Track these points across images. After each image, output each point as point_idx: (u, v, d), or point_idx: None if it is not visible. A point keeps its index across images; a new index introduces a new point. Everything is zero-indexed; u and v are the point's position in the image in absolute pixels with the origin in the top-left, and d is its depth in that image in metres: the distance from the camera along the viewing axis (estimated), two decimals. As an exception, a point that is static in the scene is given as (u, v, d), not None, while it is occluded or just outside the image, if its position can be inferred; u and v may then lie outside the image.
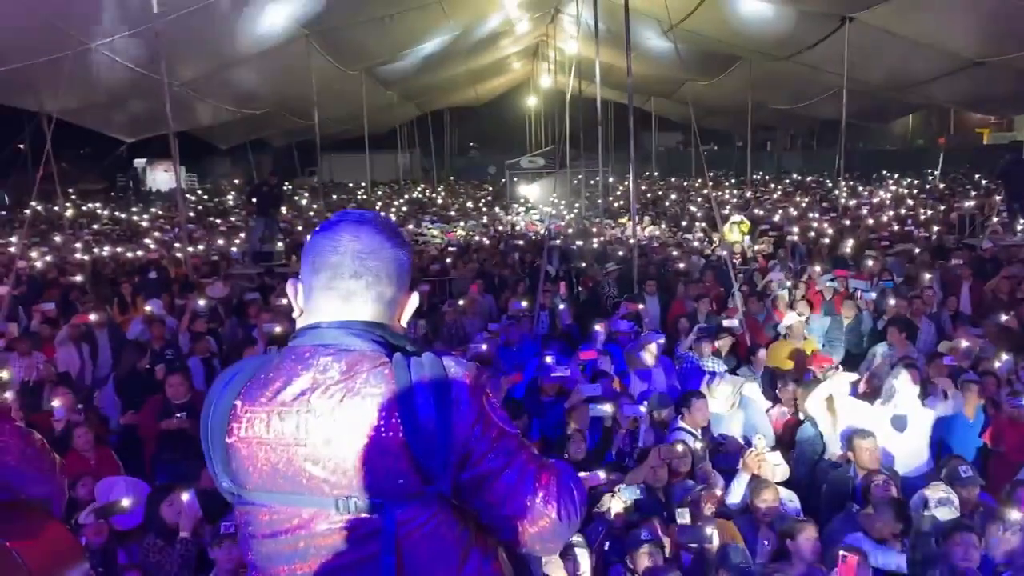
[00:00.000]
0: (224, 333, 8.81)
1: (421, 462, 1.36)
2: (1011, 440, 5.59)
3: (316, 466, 1.38)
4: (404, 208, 23.35)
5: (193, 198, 27.84)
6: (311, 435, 1.38)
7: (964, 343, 6.48)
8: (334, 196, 27.61)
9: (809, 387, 5.82)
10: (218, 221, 20.35)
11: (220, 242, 15.57)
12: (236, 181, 33.94)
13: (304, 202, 24.78)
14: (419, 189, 32.01)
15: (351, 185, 32.90)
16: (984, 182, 22.18)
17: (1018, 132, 32.09)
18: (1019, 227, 13.14)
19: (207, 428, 1.46)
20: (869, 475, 4.74)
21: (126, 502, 4.22)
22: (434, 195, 29.03)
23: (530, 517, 1.43)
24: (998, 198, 16.06)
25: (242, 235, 15.67)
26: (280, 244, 13.38)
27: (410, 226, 17.92)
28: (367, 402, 1.37)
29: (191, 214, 21.09)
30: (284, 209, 19.10)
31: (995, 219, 14.03)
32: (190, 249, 12.48)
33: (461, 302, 9.13)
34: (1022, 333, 7.46)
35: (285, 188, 29.80)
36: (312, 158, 26.05)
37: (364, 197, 26.80)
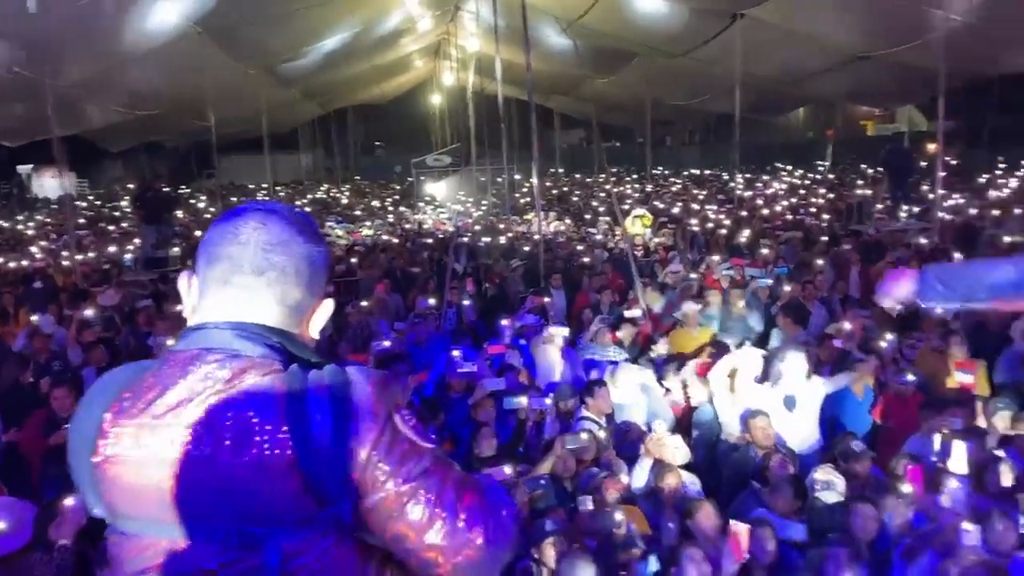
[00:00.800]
0: (120, 342, 8.46)
1: (313, 482, 1.17)
2: (897, 415, 5.89)
3: (192, 489, 1.18)
4: (308, 209, 22.90)
5: (84, 204, 26.60)
6: (186, 453, 1.18)
7: (850, 324, 6.78)
8: (233, 199, 26.84)
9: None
10: (111, 228, 19.50)
11: (112, 249, 14.94)
12: (130, 186, 32.59)
13: (202, 205, 24.03)
14: (323, 189, 31.45)
15: (252, 187, 32.06)
16: (870, 171, 23.31)
17: (899, 123, 33.84)
18: (902, 213, 13.87)
19: (73, 446, 1.27)
20: (768, 455, 4.93)
21: (1, 524, 3.97)
22: (339, 195, 28.57)
23: (451, 546, 1.21)
24: (882, 186, 16.92)
25: (136, 241, 15.08)
26: (176, 249, 12.93)
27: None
28: (247, 415, 1.18)
29: (81, 220, 20.16)
30: (180, 213, 18.50)
31: (880, 206, 14.76)
32: (79, 257, 11.93)
33: (365, 303, 9.03)
34: (905, 314, 7.87)
35: (181, 191, 29.06)
36: (210, 160, 25.23)
37: (265, 198, 26.15)
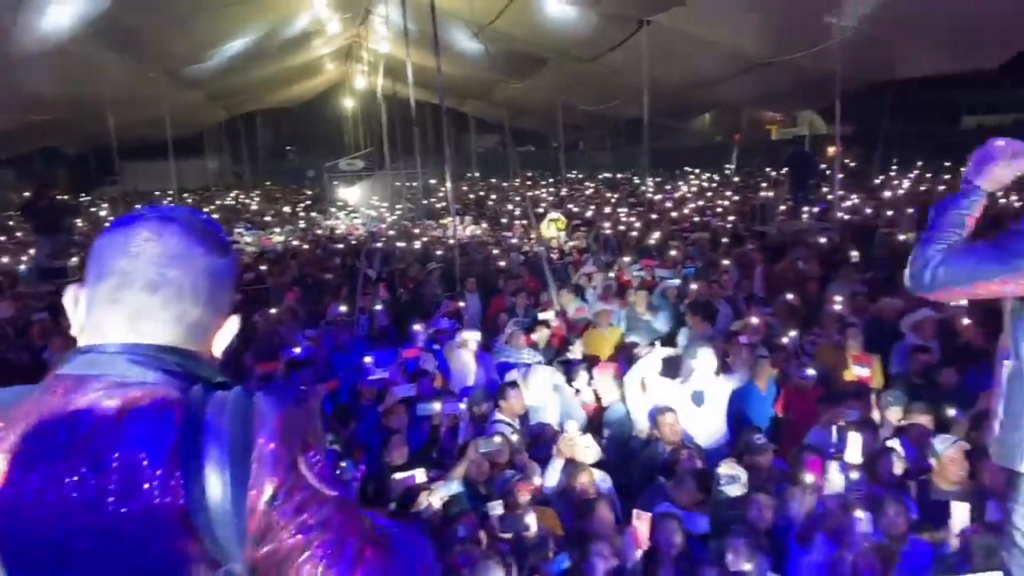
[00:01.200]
0: (13, 357, 8.03)
1: (206, 537, 1.05)
2: (799, 408, 6.10)
3: (69, 541, 1.04)
4: (215, 216, 22.27)
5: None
6: (63, 498, 1.04)
7: (754, 321, 6.99)
8: (137, 206, 25.82)
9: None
10: (2, 238, 18.52)
11: (4, 259, 14.20)
12: (27, 194, 30.99)
13: (103, 213, 23.07)
14: (232, 195, 30.62)
15: (157, 193, 30.93)
16: (773, 174, 24.13)
17: (801, 128, 35.14)
18: (804, 214, 14.40)
19: None
20: (675, 450, 5.03)
21: None
22: (248, 201, 27.87)
23: None
24: (784, 188, 17.54)
25: (31, 251, 14.38)
26: (75, 260, 12.37)
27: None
28: (137, 456, 1.05)
29: (-31, 231, 19.11)
30: (80, 222, 17.73)
31: (782, 207, 15.29)
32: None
33: (274, 311, 8.82)
34: (806, 310, 8.17)
35: (81, 199, 27.80)
36: (111, 166, 24.26)
37: (168, 204, 25.29)
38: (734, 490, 4.45)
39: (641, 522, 3.83)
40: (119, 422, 1.07)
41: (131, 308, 1.16)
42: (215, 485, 1.05)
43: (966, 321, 6.63)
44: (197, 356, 1.20)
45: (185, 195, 28.77)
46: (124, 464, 1.05)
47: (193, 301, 1.18)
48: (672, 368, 5.87)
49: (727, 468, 4.56)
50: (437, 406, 5.60)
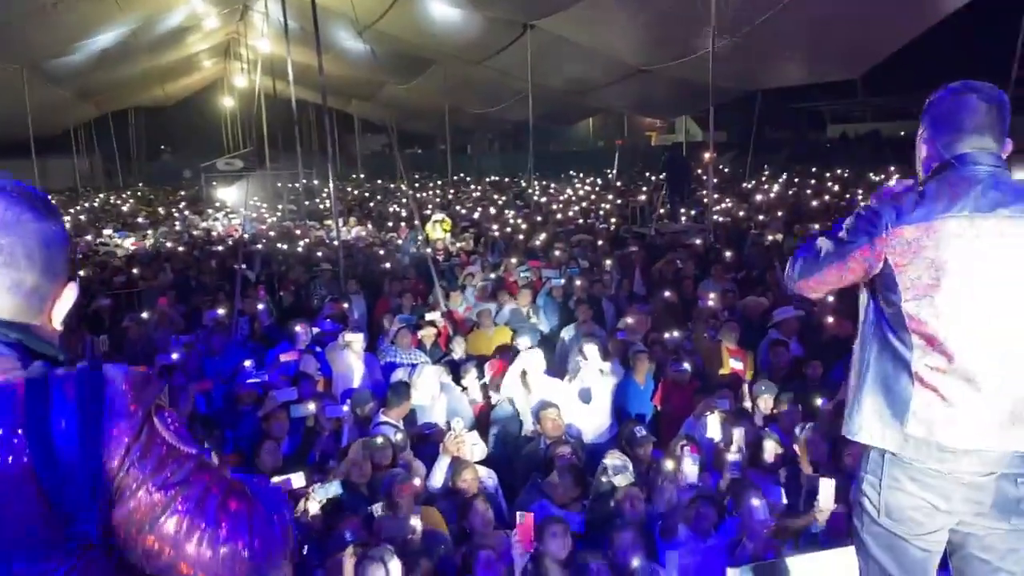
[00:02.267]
0: None
1: (55, 496, 1.03)
2: (676, 401, 6.30)
3: None
4: (82, 217, 21.07)
5: None
6: None
7: (632, 319, 7.19)
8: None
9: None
10: None
11: None
12: None
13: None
14: (101, 197, 29.05)
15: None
16: (653, 178, 24.87)
17: (677, 134, 36.45)
18: (681, 216, 14.92)
19: None
20: (553, 445, 5.10)
21: None
22: (119, 202, 26.52)
23: (212, 559, 1.09)
24: (663, 192, 18.13)
25: None
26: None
27: (88, 236, 16.19)
28: None
29: None
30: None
31: (661, 210, 15.80)
32: None
33: (146, 315, 8.42)
34: (682, 307, 8.47)
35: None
36: (-37, 164, 22.55)
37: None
38: (622, 480, 4.55)
39: (524, 523, 3.85)
40: None
41: None
42: (63, 442, 1.04)
43: (831, 319, 7.01)
44: (37, 331, 1.17)
45: (49, 196, 27.09)
46: None
47: (28, 268, 1.15)
48: (559, 366, 5.97)
49: (613, 458, 4.66)
50: (312, 407, 5.48)
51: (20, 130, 19.98)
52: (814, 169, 24.49)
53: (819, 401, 5.60)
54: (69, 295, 1.24)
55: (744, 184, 20.88)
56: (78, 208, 23.47)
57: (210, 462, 1.16)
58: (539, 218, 16.05)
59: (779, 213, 13.88)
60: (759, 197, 17.79)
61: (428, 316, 8.16)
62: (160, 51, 22.27)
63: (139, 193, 30.73)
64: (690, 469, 4.50)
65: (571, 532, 4.03)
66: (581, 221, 15.72)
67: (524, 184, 25.26)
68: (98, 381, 1.09)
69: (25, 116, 18.91)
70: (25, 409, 1.04)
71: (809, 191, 18.74)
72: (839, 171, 22.99)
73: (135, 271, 11.71)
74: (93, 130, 33.10)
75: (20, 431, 1.03)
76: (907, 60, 14.06)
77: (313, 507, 4.13)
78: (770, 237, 11.71)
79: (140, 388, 1.11)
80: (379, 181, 31.97)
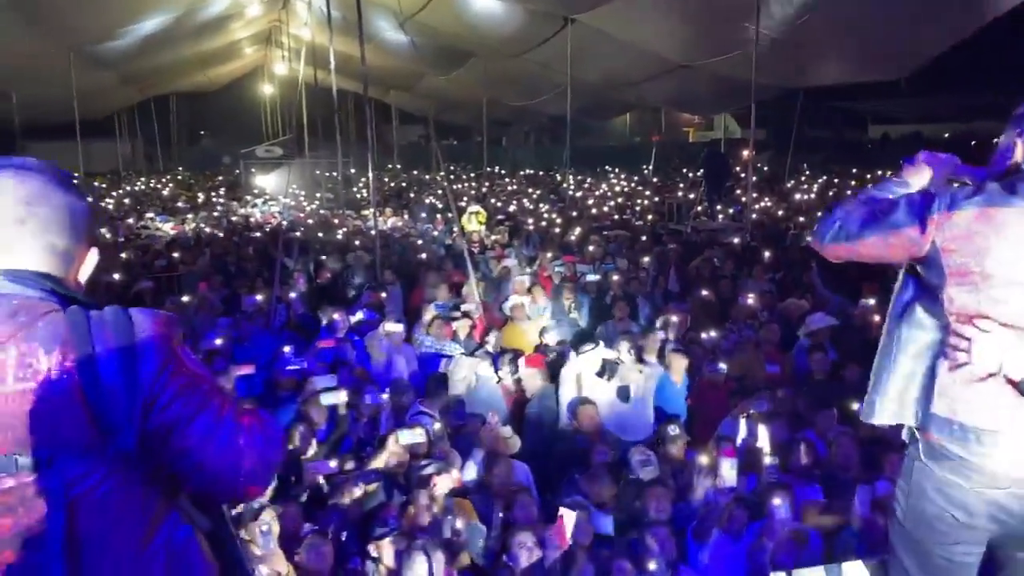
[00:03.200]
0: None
1: (98, 410, 1.24)
2: (710, 401, 6.29)
3: None
4: (125, 200, 21.44)
5: None
6: None
7: (673, 317, 7.16)
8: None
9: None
10: None
11: None
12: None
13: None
14: (142, 180, 29.51)
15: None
16: (690, 175, 24.69)
17: (716, 131, 36.12)
18: (718, 214, 14.82)
19: None
20: (591, 442, 5.11)
21: None
22: (160, 186, 26.92)
23: (231, 460, 1.36)
24: (701, 189, 18.00)
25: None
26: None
27: (130, 220, 16.48)
28: (32, 346, 1.24)
29: None
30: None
31: (698, 208, 15.70)
32: None
33: (186, 298, 8.55)
34: (720, 306, 8.42)
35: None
36: (11, 145, 23.04)
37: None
38: (649, 472, 4.55)
39: (564, 519, 3.86)
40: (12, 323, 1.25)
41: (5, 240, 1.33)
42: (105, 366, 1.26)
43: (877, 318, 6.91)
44: (66, 283, 1.39)
45: (92, 179, 27.62)
46: (21, 353, 1.24)
47: (58, 233, 1.37)
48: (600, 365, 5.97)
49: (638, 453, 4.65)
50: (344, 395, 5.52)
51: (66, 113, 20.33)
52: (855, 170, 24.15)
53: (855, 406, 5.55)
54: (92, 258, 1.47)
55: (783, 183, 20.66)
56: (121, 191, 23.88)
57: (224, 389, 1.45)
58: (574, 213, 16.03)
59: (819, 213, 13.70)
60: (798, 196, 17.61)
61: (463, 308, 8.20)
62: (203, 37, 22.52)
63: (179, 178, 31.15)
64: (727, 472, 4.48)
65: (601, 534, 4.05)
66: (617, 217, 15.67)
67: (559, 178, 25.23)
68: (128, 319, 1.32)
69: (71, 100, 19.23)
70: (71, 339, 1.26)
71: (850, 192, 18.48)
72: (880, 172, 22.65)
73: (175, 255, 11.89)
74: (136, 114, 33.58)
75: (72, 356, 1.25)
76: (952, 61, 13.78)
77: (355, 494, 4.18)
78: (809, 238, 11.58)
79: (166, 326, 1.35)
80: (415, 172, 32.11)
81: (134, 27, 17.77)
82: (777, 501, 4.03)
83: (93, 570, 1.25)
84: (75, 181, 1.48)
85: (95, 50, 18.94)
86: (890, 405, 2.10)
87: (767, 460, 4.73)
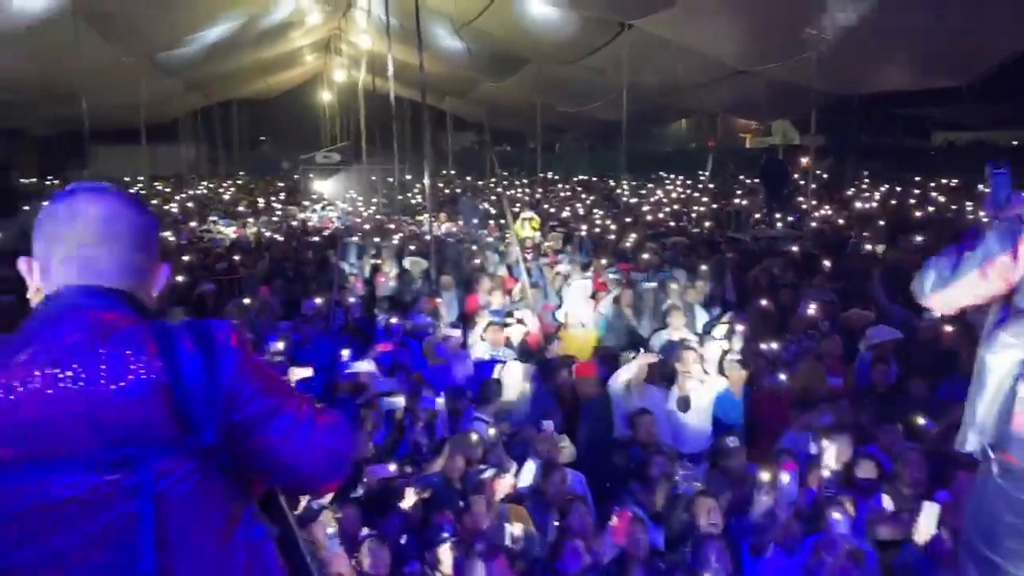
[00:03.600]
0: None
1: (182, 408, 1.32)
2: (770, 413, 6.18)
3: (64, 422, 1.27)
4: (189, 204, 22.00)
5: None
6: (57, 390, 1.28)
7: (731, 327, 7.06)
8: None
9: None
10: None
11: (-31, 241, 13.90)
12: (-7, 174, 30.36)
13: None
14: (205, 184, 30.27)
15: (127, 180, 30.51)
16: (747, 182, 24.35)
17: (774, 137, 35.54)
18: (777, 222, 14.57)
19: None
20: (648, 453, 5.07)
21: None
22: (222, 191, 27.57)
23: (310, 456, 1.44)
24: (759, 196, 17.73)
25: (-1, 233, 14.14)
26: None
27: (193, 223, 16.91)
28: (121, 350, 1.32)
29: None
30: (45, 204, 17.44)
31: (756, 215, 15.46)
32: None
33: (247, 301, 8.74)
34: (781, 316, 8.27)
35: (48, 183, 27.32)
36: (81, 150, 23.89)
37: (143, 192, 24.99)
38: (694, 488, 4.50)
39: (620, 519, 3.85)
40: (100, 334, 1.33)
41: (87, 259, 1.41)
42: (189, 367, 1.34)
43: (947, 328, 6.72)
44: (143, 298, 1.48)
45: (156, 182, 28.44)
46: (111, 355, 1.31)
47: (135, 251, 1.46)
48: (657, 373, 5.92)
49: (683, 467, 4.59)
50: (401, 400, 5.56)
51: (133, 118, 20.99)
52: (917, 178, 23.55)
53: (921, 421, 5.41)
54: (163, 274, 1.56)
55: (843, 191, 20.24)
56: (184, 195, 24.51)
57: (297, 389, 1.54)
58: (628, 219, 15.93)
59: (880, 222, 13.36)
60: (859, 205, 17.23)
61: (517, 314, 8.21)
62: (265, 45, 23.01)
63: (239, 182, 31.85)
64: (787, 486, 4.40)
65: (653, 547, 4.02)
66: (672, 224, 15.53)
67: (613, 184, 25.11)
68: (206, 328, 1.41)
69: (138, 105, 19.84)
70: (157, 345, 1.34)
71: (912, 200, 18.04)
72: (943, 181, 22.05)
73: (236, 258, 12.16)
74: (199, 120, 34.44)
75: (159, 359, 1.33)
76: (1019, 66, 13.33)
77: (410, 498, 4.22)
78: (870, 247, 11.33)
79: (238, 334, 1.44)
80: (468, 177, 32.29)
81: (200, 35, 18.27)
82: (836, 516, 3.95)
83: (181, 563, 1.31)
84: (143, 202, 1.58)
85: (162, 57, 19.51)
86: (975, 430, 2.10)
87: (828, 474, 4.63)
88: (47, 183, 27.91)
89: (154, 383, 1.30)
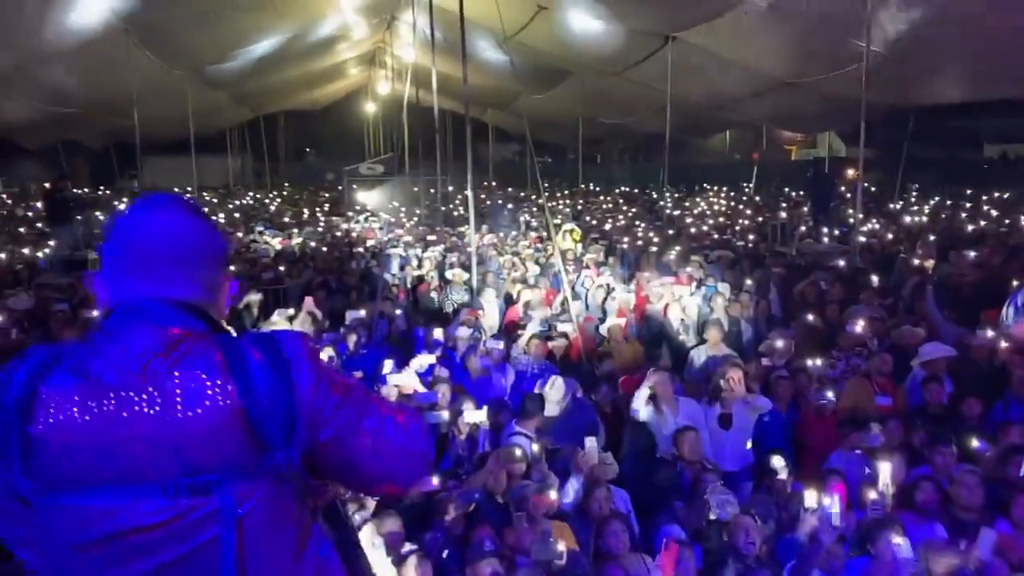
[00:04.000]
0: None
1: (258, 429, 1.30)
2: (818, 433, 6.05)
3: (140, 447, 1.27)
4: (236, 215, 22.38)
5: (-5, 202, 25.40)
6: (132, 414, 1.27)
7: (779, 343, 6.94)
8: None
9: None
10: (21, 229, 18.61)
11: (25, 251, 14.30)
12: (47, 185, 31.23)
13: (123, 207, 23.19)
14: (251, 195, 30.80)
15: (176, 190, 31.14)
16: (792, 194, 24.03)
17: (820, 149, 35.05)
18: (824, 236, 14.33)
19: None
20: (693, 471, 4.99)
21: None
22: (267, 201, 28.02)
23: (398, 457, 1.44)
24: (804, 209, 17.47)
25: (51, 242, 14.52)
26: (94, 254, 12.48)
27: (239, 233, 17.18)
28: (195, 373, 1.30)
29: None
30: (98, 214, 17.90)
31: (802, 228, 15.23)
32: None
33: (292, 311, 8.83)
34: (827, 332, 8.11)
35: (101, 193, 28.03)
36: (132, 160, 24.48)
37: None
38: (728, 513, 4.41)
39: (669, 551, 3.78)
40: (170, 352, 1.32)
41: (157, 274, 1.41)
42: (263, 387, 1.31)
43: (1003, 344, 6.53)
44: (215, 312, 1.48)
45: (205, 193, 29.00)
46: (185, 380, 1.29)
47: (202, 264, 1.46)
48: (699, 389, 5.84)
49: (716, 492, 4.49)
50: (445, 414, 5.57)
51: (182, 130, 21.48)
52: (969, 191, 23.02)
53: (975, 443, 5.26)
54: (232, 290, 1.56)
55: (892, 204, 19.87)
56: (231, 205, 24.95)
57: (371, 391, 1.51)
58: (671, 231, 15.81)
59: (931, 236, 13.05)
60: (908, 218, 16.88)
61: (560, 327, 8.18)
62: (311, 58, 23.40)
63: (284, 193, 32.33)
64: (834, 509, 4.29)
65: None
66: (716, 237, 15.37)
67: (655, 196, 24.96)
68: (276, 341, 1.38)
69: (187, 118, 20.29)
70: (229, 365, 1.32)
71: (964, 214, 17.62)
72: (997, 194, 21.50)
73: (281, 268, 12.31)
74: (246, 132, 35.10)
75: (232, 382, 1.30)
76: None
77: (452, 512, 4.20)
78: (918, 262, 11.07)
79: (307, 343, 1.41)
80: (509, 189, 32.38)
81: (248, 49, 18.63)
82: (897, 540, 3.84)
83: None
84: (211, 219, 1.57)
85: (210, 71, 19.94)
86: None
87: (877, 497, 4.51)
88: (99, 193, 28.64)
89: (230, 409, 1.29)
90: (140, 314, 1.37)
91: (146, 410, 1.27)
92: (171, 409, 1.28)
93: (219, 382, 1.30)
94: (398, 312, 8.83)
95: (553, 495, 4.63)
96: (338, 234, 17.91)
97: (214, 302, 1.49)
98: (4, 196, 29.40)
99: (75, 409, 1.28)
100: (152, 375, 1.29)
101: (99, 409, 1.27)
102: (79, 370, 1.31)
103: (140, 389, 1.28)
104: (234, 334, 1.43)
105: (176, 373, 1.30)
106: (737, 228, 16.87)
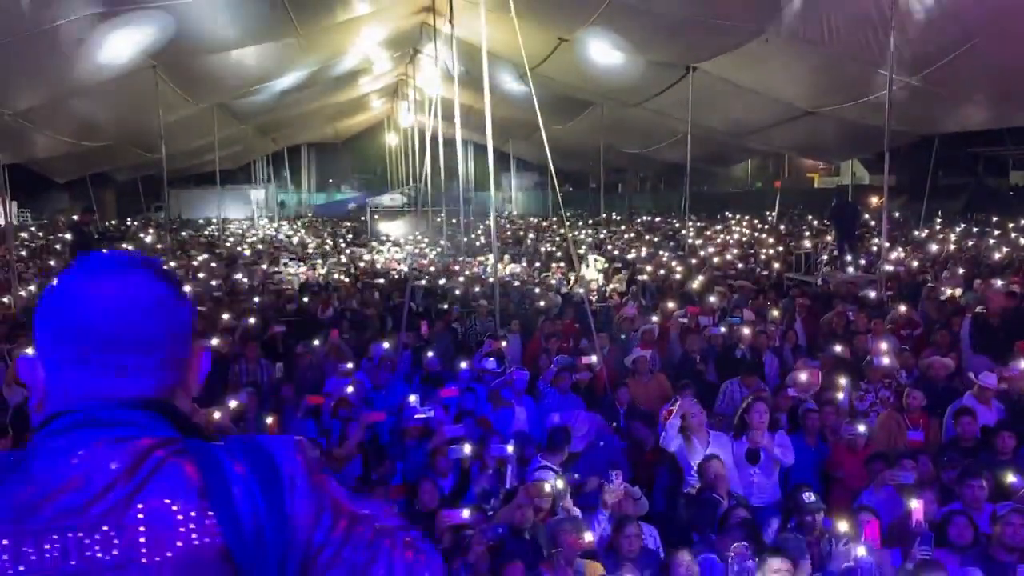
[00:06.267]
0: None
1: (246, 566, 1.03)
2: (848, 467, 5.95)
3: None
4: (259, 246, 22.61)
5: (26, 235, 25.84)
6: (82, 561, 0.99)
7: (805, 375, 6.86)
8: (184, 233, 26.45)
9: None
10: (51, 263, 18.89)
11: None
12: (75, 218, 31.79)
13: (149, 239, 23.54)
14: (275, 226, 31.15)
15: (201, 221, 31.58)
16: (816, 223, 23.88)
17: (843, 177, 34.88)
18: (849, 265, 14.21)
19: None
20: (721, 501, 4.92)
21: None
22: (291, 233, 28.33)
23: None
24: (829, 238, 17.35)
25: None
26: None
27: (264, 265, 17.34)
28: (162, 502, 1.02)
29: (23, 252, 19.58)
30: (126, 247, 18.12)
31: (825, 257, 15.12)
32: (22, 293, 11.56)
33: (316, 343, 8.87)
34: (855, 363, 8.00)
35: (128, 224, 28.45)
36: (159, 192, 24.89)
37: (215, 233, 25.81)
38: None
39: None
40: (133, 475, 1.02)
41: (109, 363, 1.08)
42: (252, 516, 1.04)
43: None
44: (178, 402, 1.15)
45: (228, 224, 29.37)
46: (150, 512, 1.01)
47: (165, 343, 1.12)
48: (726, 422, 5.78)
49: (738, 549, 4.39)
50: (468, 449, 5.54)
51: (208, 162, 21.84)
52: (995, 218, 22.77)
53: (1011, 477, 5.15)
54: (204, 364, 1.22)
55: (917, 232, 19.70)
56: (256, 238, 25.24)
57: (378, 521, 1.19)
58: (694, 261, 15.75)
59: (961, 271, 12.85)
60: (934, 247, 16.72)
61: (584, 360, 8.13)
62: (334, 92, 23.75)
63: (307, 224, 32.68)
64: (866, 545, 4.21)
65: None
66: (740, 266, 15.29)
67: (677, 224, 24.92)
68: (265, 453, 1.10)
69: (212, 150, 20.64)
70: (207, 488, 1.04)
71: (991, 241, 17.42)
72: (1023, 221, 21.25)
73: (305, 299, 12.37)
74: (270, 163, 35.61)
75: (211, 512, 1.03)
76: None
77: (479, 546, 4.17)
78: (947, 291, 10.94)
79: (308, 459, 1.12)
80: (531, 219, 32.49)
81: (272, 83, 18.95)
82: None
83: None
84: (176, 277, 1.21)
85: (235, 105, 20.29)
86: None
87: (921, 537, 4.41)
88: (126, 225, 29.08)
89: (208, 547, 1.02)
90: (87, 424, 1.05)
91: (100, 555, 1.00)
92: (134, 552, 1.00)
93: (193, 513, 1.02)
94: (419, 343, 8.83)
95: (588, 537, 4.55)
96: (361, 264, 18.02)
97: (183, 388, 1.17)
98: (34, 229, 29.89)
99: (5, 558, 0.98)
100: (108, 509, 1.01)
101: (38, 558, 0.99)
102: (9, 506, 1.00)
103: (92, 528, 1.00)
104: (208, 440, 1.12)
105: (140, 504, 1.01)
106: (761, 257, 16.78)
